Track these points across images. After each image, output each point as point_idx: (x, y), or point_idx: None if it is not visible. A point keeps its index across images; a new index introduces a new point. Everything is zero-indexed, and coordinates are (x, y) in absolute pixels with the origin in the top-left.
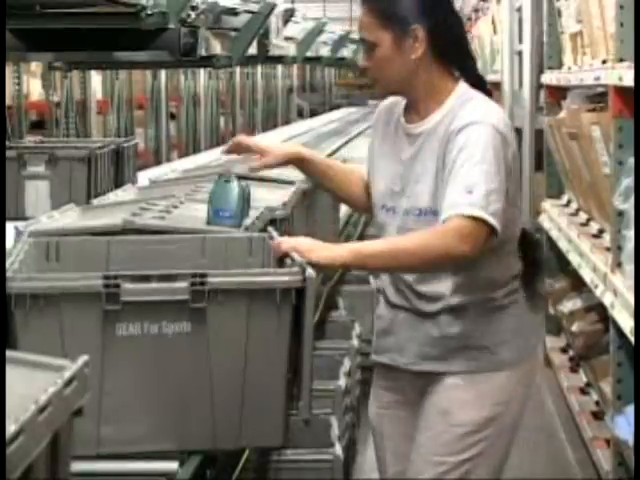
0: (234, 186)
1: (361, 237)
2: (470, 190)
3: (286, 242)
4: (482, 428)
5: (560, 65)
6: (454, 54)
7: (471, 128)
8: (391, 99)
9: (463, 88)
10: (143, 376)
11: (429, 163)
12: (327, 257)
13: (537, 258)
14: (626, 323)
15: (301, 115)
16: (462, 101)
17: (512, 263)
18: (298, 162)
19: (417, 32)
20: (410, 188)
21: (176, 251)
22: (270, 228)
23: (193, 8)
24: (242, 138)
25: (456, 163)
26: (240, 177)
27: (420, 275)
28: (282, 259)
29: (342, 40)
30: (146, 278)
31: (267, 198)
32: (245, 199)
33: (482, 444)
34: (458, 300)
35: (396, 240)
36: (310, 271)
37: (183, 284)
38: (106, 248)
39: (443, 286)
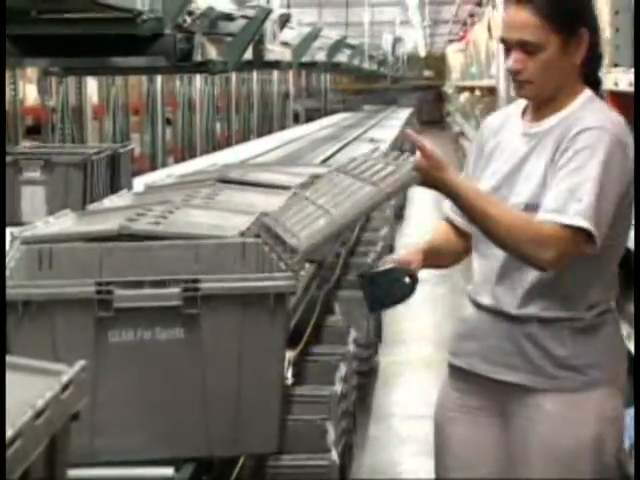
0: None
1: (358, 241)
2: (580, 198)
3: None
4: (594, 447)
5: None
6: (596, 59)
7: (593, 132)
8: (507, 108)
9: (588, 94)
10: (137, 383)
11: (541, 162)
12: (431, 180)
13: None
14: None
15: (297, 120)
16: (585, 106)
17: (612, 284)
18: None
19: (584, 35)
20: (519, 186)
21: (169, 257)
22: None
23: (189, 14)
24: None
25: (570, 164)
26: (234, 182)
27: (512, 279)
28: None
29: (338, 45)
30: (139, 284)
31: (262, 203)
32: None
33: (599, 463)
34: (548, 313)
35: (496, 207)
36: (304, 275)
37: (175, 290)
38: (99, 255)
39: (533, 292)
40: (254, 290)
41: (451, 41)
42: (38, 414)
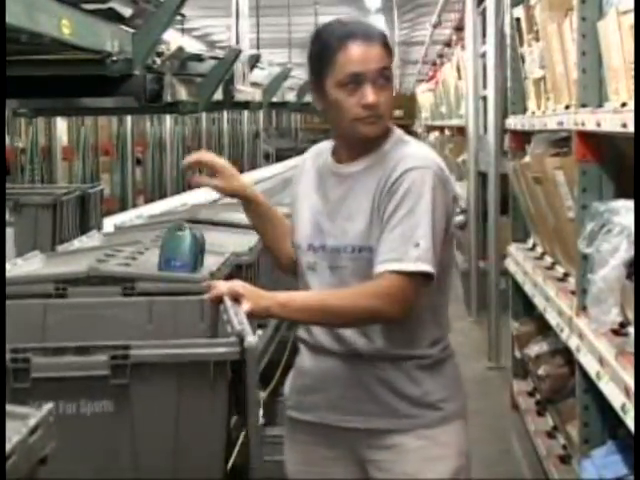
0: (186, 235)
1: None
2: (417, 243)
3: (220, 286)
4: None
5: (524, 110)
6: None
7: (416, 173)
8: (319, 146)
9: (398, 131)
10: (60, 463)
11: (362, 201)
12: (255, 307)
13: None
14: (591, 366)
15: (268, 159)
16: (399, 144)
17: (447, 318)
18: (247, 199)
19: None
20: (339, 226)
21: (120, 316)
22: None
23: (158, 55)
24: (203, 155)
25: (400, 210)
26: (204, 222)
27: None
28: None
29: (308, 85)
30: (61, 351)
31: (232, 243)
32: (198, 248)
33: None
34: (397, 351)
35: (326, 296)
36: (250, 340)
37: (102, 357)
38: (42, 313)
39: (378, 338)
40: (191, 357)
41: (420, 81)
42: (5, 458)
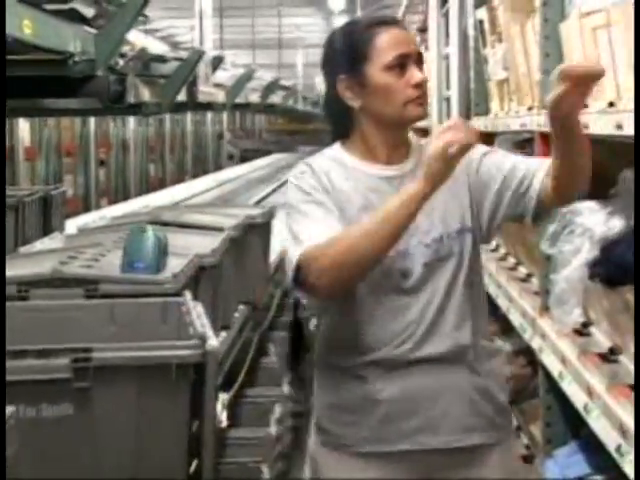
0: (149, 237)
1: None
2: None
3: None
4: None
5: (487, 111)
6: None
7: (482, 148)
8: (316, 167)
9: None
10: (20, 468)
11: (444, 193)
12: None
13: None
14: (554, 367)
15: (232, 160)
16: (423, 138)
17: None
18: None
19: None
20: (423, 221)
21: (82, 319)
22: (186, 292)
23: (121, 55)
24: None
25: (506, 163)
26: (168, 224)
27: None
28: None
29: (271, 87)
30: (22, 354)
31: (196, 245)
32: (161, 250)
33: None
34: (484, 341)
35: None
36: (212, 343)
37: (64, 360)
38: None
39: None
40: (153, 360)
41: None
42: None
